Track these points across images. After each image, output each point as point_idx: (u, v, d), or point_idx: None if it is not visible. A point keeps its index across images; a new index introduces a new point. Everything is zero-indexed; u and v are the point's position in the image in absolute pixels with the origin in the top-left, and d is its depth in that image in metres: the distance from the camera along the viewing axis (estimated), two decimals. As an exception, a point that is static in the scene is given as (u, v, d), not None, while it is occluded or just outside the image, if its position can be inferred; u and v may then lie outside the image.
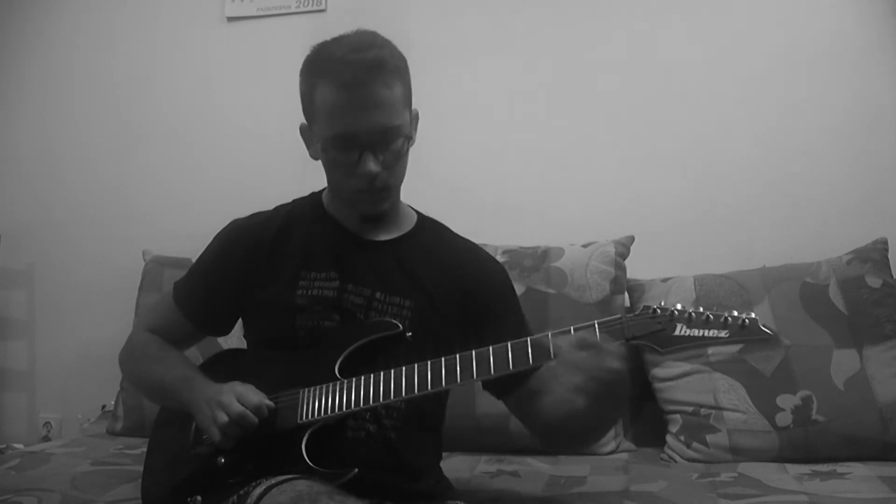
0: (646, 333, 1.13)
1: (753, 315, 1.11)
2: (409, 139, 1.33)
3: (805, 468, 1.70)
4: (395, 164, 1.32)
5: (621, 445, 1.95)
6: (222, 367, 1.42)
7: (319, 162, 1.39)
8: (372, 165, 1.28)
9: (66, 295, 2.72)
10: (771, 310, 1.89)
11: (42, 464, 1.81)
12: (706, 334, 1.12)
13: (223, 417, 1.24)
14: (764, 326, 1.11)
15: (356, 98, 1.26)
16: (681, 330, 1.12)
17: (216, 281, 1.43)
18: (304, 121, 1.39)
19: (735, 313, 1.12)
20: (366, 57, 1.27)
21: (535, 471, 1.77)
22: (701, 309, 1.13)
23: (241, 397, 1.25)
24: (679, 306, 1.14)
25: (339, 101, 1.27)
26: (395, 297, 1.35)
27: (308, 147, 1.39)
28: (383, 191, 1.34)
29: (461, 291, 1.39)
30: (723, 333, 1.11)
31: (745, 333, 1.11)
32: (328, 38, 1.35)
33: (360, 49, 1.28)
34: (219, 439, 1.25)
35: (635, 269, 2.09)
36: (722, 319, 1.11)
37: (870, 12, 2.22)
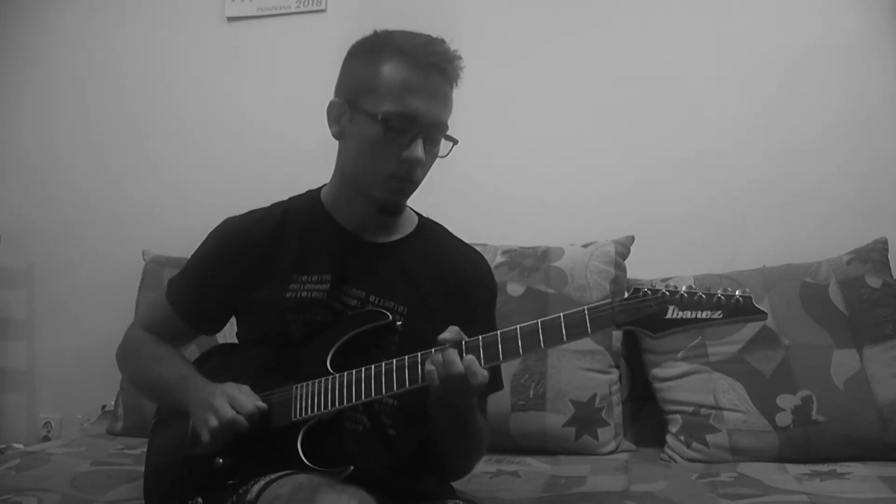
0: (637, 318, 1.11)
1: (748, 292, 1.08)
2: (454, 142, 1.33)
3: (805, 468, 1.70)
4: (431, 163, 1.33)
5: (621, 445, 1.95)
6: (216, 363, 1.41)
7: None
8: (421, 152, 1.27)
9: (66, 295, 2.72)
10: (771, 310, 1.88)
11: (42, 464, 1.81)
12: (699, 316, 1.09)
13: (214, 422, 1.23)
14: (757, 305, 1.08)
15: (431, 85, 1.28)
16: (673, 313, 1.09)
17: (209, 281, 1.42)
18: (334, 98, 1.34)
19: (728, 291, 1.08)
20: (448, 50, 1.29)
21: (535, 471, 1.77)
22: (693, 287, 1.10)
23: (234, 401, 1.25)
24: (672, 286, 1.11)
25: (414, 80, 1.27)
26: (389, 301, 1.33)
27: (333, 125, 1.35)
28: (413, 184, 1.33)
29: (452, 297, 1.37)
30: (716, 314, 1.08)
31: (740, 313, 1.08)
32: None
33: (441, 43, 1.30)
34: (208, 442, 1.25)
35: (635, 269, 2.09)
36: (715, 299, 1.08)
37: (870, 12, 2.22)
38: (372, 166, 1.31)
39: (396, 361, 1.22)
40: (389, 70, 1.27)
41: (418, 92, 1.27)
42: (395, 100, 1.26)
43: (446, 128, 1.32)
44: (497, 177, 2.40)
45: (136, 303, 2.34)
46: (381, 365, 1.22)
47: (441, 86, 1.29)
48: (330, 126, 1.35)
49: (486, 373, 1.16)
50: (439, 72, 1.28)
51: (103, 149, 2.73)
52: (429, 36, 1.31)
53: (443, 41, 1.31)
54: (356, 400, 1.22)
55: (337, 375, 1.25)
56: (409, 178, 1.31)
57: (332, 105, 1.34)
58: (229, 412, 1.23)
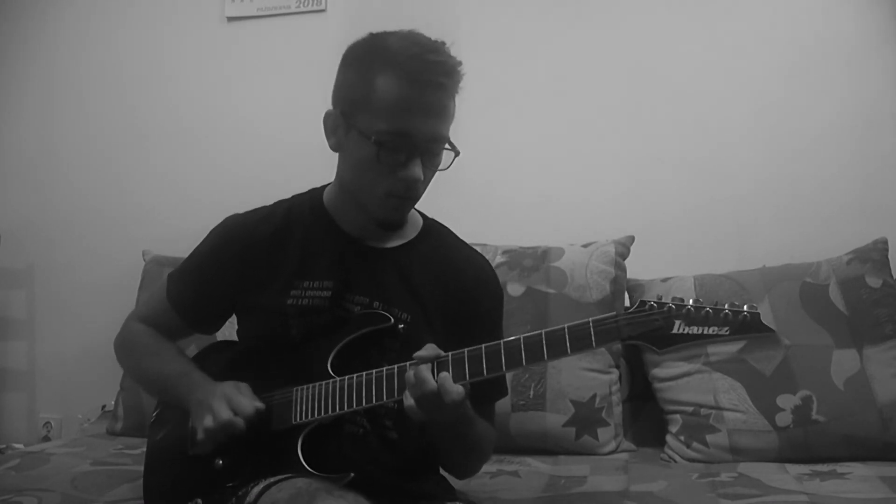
0: (642, 332, 1.09)
1: (756, 308, 1.06)
2: (456, 153, 1.28)
3: (805, 468, 1.70)
4: (432, 175, 1.29)
5: (621, 445, 1.95)
6: (215, 360, 1.40)
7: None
8: (419, 171, 1.23)
9: (66, 295, 2.73)
10: (771, 310, 1.88)
11: (42, 464, 1.81)
12: (706, 332, 1.06)
13: (210, 422, 1.23)
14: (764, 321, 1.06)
15: (427, 99, 1.21)
16: (679, 328, 1.07)
17: (209, 279, 1.40)
18: (330, 108, 1.30)
19: (736, 305, 1.07)
20: (445, 61, 1.22)
21: (535, 471, 1.77)
22: (701, 301, 1.08)
23: (232, 402, 1.24)
24: (678, 300, 1.09)
25: (408, 97, 1.20)
26: (393, 308, 1.31)
27: (330, 137, 1.30)
28: (412, 201, 1.31)
29: (457, 305, 1.35)
30: (723, 330, 1.06)
31: (747, 329, 1.05)
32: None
33: (436, 51, 1.22)
34: (202, 441, 1.25)
35: (635, 269, 2.09)
36: (722, 315, 1.06)
37: (870, 14, 2.22)
38: (369, 185, 1.27)
39: (398, 367, 1.21)
40: (382, 85, 1.21)
41: (414, 109, 1.21)
42: (389, 118, 1.21)
43: (446, 140, 1.27)
44: (497, 176, 2.40)
45: (136, 303, 2.33)
46: (383, 370, 1.21)
47: (439, 99, 1.23)
48: (327, 138, 1.31)
49: (460, 389, 1.13)
50: (436, 85, 1.21)
51: (103, 149, 2.73)
52: (427, 41, 1.24)
53: (442, 47, 1.24)
54: (357, 405, 1.22)
55: (338, 379, 1.24)
56: (407, 196, 1.28)
57: (327, 116, 1.30)
58: (226, 414, 1.22)
